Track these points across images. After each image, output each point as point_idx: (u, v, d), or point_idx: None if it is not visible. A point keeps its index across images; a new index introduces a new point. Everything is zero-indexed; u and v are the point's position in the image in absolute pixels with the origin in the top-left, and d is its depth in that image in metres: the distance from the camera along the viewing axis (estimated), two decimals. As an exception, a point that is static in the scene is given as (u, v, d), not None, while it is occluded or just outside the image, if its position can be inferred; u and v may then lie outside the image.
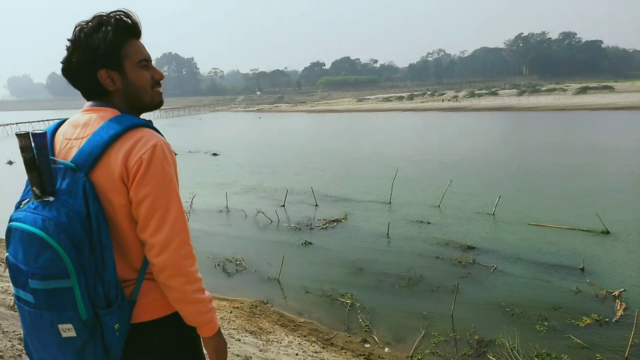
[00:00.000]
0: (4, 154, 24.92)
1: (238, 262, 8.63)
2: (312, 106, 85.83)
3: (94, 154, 1.11)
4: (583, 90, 70.75)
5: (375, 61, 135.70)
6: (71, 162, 1.12)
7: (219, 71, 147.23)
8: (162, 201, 1.13)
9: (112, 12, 1.19)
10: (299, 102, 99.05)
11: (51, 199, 1.08)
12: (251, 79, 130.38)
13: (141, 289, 1.22)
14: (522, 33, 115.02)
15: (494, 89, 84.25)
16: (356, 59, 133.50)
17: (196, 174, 18.40)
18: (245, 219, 11.67)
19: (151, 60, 1.28)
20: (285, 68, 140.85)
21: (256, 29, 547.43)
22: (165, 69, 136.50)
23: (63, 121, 1.28)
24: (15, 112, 77.55)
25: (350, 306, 6.76)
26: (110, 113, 1.19)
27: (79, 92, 1.25)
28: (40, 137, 1.11)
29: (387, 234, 9.94)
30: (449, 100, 74.66)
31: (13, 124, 42.80)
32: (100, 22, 1.17)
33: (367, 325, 6.16)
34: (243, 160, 22.06)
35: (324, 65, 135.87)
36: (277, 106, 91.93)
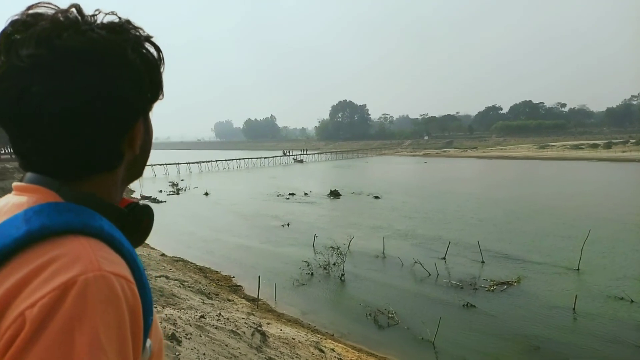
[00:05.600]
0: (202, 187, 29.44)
1: (390, 315, 8.08)
2: (484, 152, 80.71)
3: None
4: None
5: (563, 105, 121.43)
6: None
7: (388, 116, 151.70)
8: None
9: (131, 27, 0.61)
10: (470, 147, 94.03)
11: None
12: (420, 123, 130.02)
13: None
14: None
15: None
16: (540, 103, 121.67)
17: (354, 215, 18.66)
18: (401, 267, 11.08)
19: None
20: (457, 113, 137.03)
21: (428, 75, 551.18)
22: (340, 115, 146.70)
23: None
24: (218, 151, 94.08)
25: (519, 394, 5.58)
26: (42, 197, 0.56)
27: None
28: None
29: (574, 308, 8.20)
30: (661, 149, 61.18)
31: (213, 161, 52.49)
32: (125, 30, 0.59)
33: None
34: (399, 205, 21.57)
35: (501, 109, 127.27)
36: (444, 151, 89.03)
